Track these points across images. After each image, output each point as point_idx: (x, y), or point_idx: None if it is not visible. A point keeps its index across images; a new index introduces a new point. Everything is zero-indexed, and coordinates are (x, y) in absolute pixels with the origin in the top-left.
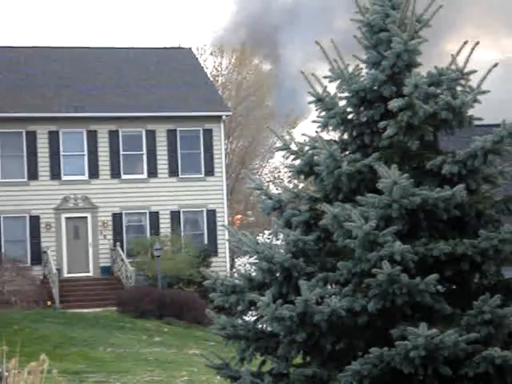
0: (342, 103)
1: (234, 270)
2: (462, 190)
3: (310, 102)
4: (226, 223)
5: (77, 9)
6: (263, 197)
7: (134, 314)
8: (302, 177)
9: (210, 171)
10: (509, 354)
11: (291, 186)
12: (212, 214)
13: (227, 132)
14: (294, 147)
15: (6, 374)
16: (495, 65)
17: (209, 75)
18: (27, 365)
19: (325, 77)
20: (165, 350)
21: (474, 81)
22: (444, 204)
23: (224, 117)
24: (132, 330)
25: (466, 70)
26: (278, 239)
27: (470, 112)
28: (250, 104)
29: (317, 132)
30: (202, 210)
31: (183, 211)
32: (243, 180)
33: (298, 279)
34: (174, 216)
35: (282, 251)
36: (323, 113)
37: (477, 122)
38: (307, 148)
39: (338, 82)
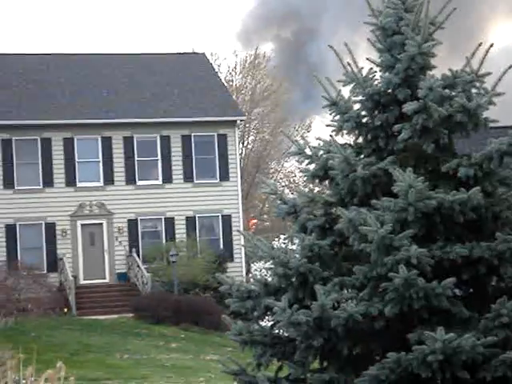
0: (357, 107)
1: (250, 275)
2: (477, 192)
3: (325, 106)
4: (242, 228)
5: (91, 15)
6: (278, 201)
7: (151, 321)
8: (317, 181)
9: (224, 176)
10: None
11: (306, 190)
12: (227, 219)
13: (242, 136)
14: (308, 151)
15: (24, 381)
16: (510, 66)
17: (223, 80)
18: (44, 372)
19: (339, 81)
20: (182, 355)
21: (489, 83)
22: (460, 207)
23: (238, 121)
24: (148, 336)
25: (480, 72)
26: (293, 244)
27: (485, 114)
28: (265, 108)
29: (331, 136)
30: (218, 216)
31: (198, 216)
32: (258, 185)
33: (314, 284)
34: (190, 221)
35: (297, 256)
36: (337, 116)
37: (492, 124)
38: (321, 152)
39: (352, 85)
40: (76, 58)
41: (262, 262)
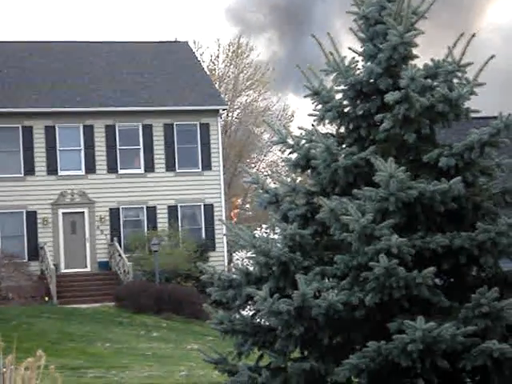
0: (339, 96)
1: (232, 264)
2: (458, 182)
3: (307, 96)
4: (224, 218)
5: (73, 2)
6: (260, 191)
7: (132, 310)
8: (299, 170)
9: (207, 165)
10: (506, 346)
11: (289, 180)
12: (209, 208)
13: (224, 126)
14: (290, 141)
15: (4, 369)
16: (492, 56)
17: (205, 68)
18: (24, 360)
19: (321, 70)
20: (163, 344)
21: (470, 73)
22: (441, 197)
23: (221, 111)
24: (130, 325)
25: (462, 62)
26: (275, 233)
27: (467, 104)
28: (247, 97)
29: (313, 125)
30: (200, 205)
31: (180, 206)
32: (241, 174)
33: (295, 273)
34: (172, 211)
35: (279, 245)
36: (319, 106)
37: (474, 115)
38: (304, 141)
39: (334, 75)
40: (58, 46)
41: (244, 251)
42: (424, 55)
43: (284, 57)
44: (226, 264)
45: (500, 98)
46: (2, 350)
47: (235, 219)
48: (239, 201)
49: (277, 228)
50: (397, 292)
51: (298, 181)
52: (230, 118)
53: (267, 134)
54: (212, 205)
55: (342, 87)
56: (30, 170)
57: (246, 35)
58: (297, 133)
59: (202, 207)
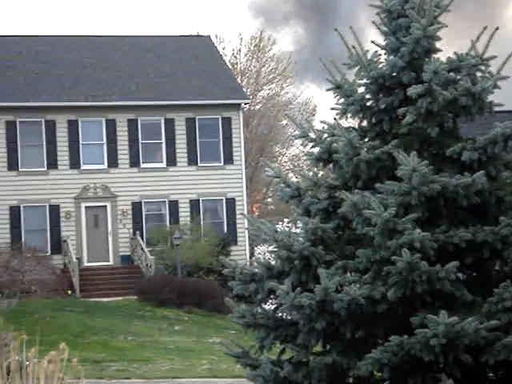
0: (361, 90)
1: (254, 258)
2: (481, 176)
3: (329, 89)
4: (246, 211)
5: None
6: (282, 185)
7: (154, 303)
8: (321, 164)
9: (229, 159)
10: None
11: (311, 174)
12: (231, 202)
13: (246, 120)
14: (312, 135)
15: (27, 363)
16: None
17: (227, 63)
18: (48, 354)
19: (343, 63)
20: (185, 338)
21: (494, 66)
22: (464, 191)
23: (243, 104)
24: (152, 318)
25: (485, 56)
26: (297, 227)
27: (490, 98)
28: (269, 92)
29: (335, 119)
30: (222, 199)
31: (202, 200)
32: (262, 168)
33: (317, 267)
34: (194, 205)
35: (300, 239)
36: (342, 100)
37: (497, 108)
38: (326, 135)
39: (357, 68)
40: (81, 40)
41: (266, 245)
42: (450, 47)
43: (309, 50)
44: (248, 258)
45: None
46: (26, 343)
47: (257, 213)
48: (261, 194)
49: (299, 222)
50: (419, 286)
51: (320, 175)
52: (251, 112)
53: (289, 127)
54: (234, 199)
55: (365, 81)
56: (52, 163)
57: (271, 27)
58: (319, 127)
59: (224, 201)
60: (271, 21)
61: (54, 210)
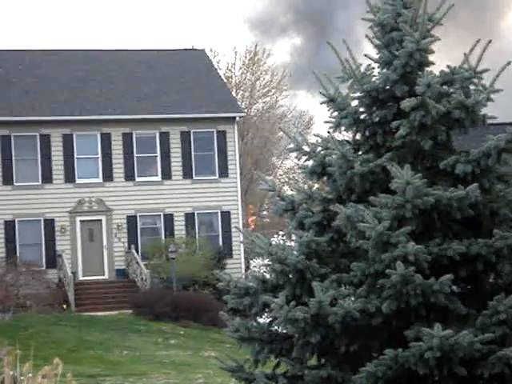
0: (355, 103)
1: (249, 271)
2: (475, 189)
3: (322, 103)
4: (241, 225)
5: (90, 11)
6: (276, 198)
7: (150, 317)
8: (315, 177)
9: (223, 173)
10: None
11: (306, 187)
12: (226, 215)
13: (241, 133)
14: (306, 148)
15: (22, 378)
16: (508, 63)
17: (222, 76)
18: (42, 368)
19: (337, 77)
20: (180, 352)
21: (487, 80)
22: (458, 204)
23: (237, 118)
24: (147, 332)
25: (478, 69)
26: (291, 240)
27: (484, 111)
28: (264, 105)
29: (329, 132)
30: (217, 212)
31: (197, 213)
32: (258, 181)
33: (312, 281)
34: (189, 218)
35: (295, 253)
36: (335, 113)
37: (490, 121)
38: (319, 149)
39: (350, 81)
40: (75, 54)
41: (261, 258)
42: (449, 55)
43: (306, 61)
44: (243, 271)
45: None
46: (20, 357)
47: (252, 226)
48: (257, 207)
49: (293, 235)
50: (414, 299)
51: (315, 188)
52: (246, 125)
53: (284, 140)
54: (229, 212)
55: (358, 94)
56: (47, 178)
57: (268, 39)
58: (314, 140)
59: (219, 214)
60: (267, 33)
61: (49, 224)
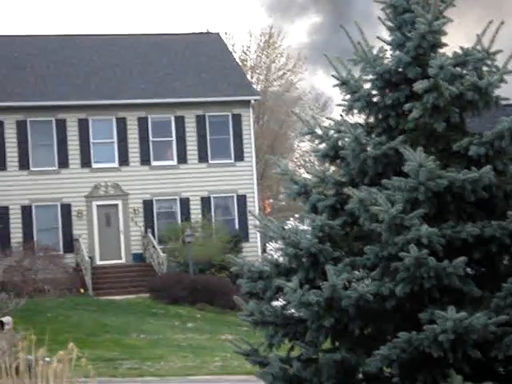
0: (367, 86)
1: (264, 255)
2: (489, 171)
3: (335, 86)
4: (257, 208)
5: None
6: (289, 181)
7: (167, 301)
8: (328, 161)
9: (239, 156)
10: None
11: (320, 169)
12: (242, 199)
13: (256, 116)
14: (319, 131)
15: (39, 362)
16: None
17: (237, 59)
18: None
19: (349, 59)
20: (197, 335)
21: (500, 61)
22: (471, 186)
23: (253, 101)
24: (164, 316)
25: (491, 50)
26: (304, 224)
27: (497, 92)
28: (280, 87)
29: (341, 115)
30: (233, 196)
31: (213, 197)
32: (274, 164)
33: (325, 264)
34: (205, 202)
35: (308, 236)
36: (348, 96)
37: (504, 102)
38: (332, 132)
39: (362, 64)
40: (90, 39)
41: (276, 242)
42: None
43: (324, 42)
44: (260, 254)
45: None
46: (37, 342)
47: (269, 209)
48: (273, 190)
49: (306, 219)
50: (427, 282)
51: (329, 171)
52: (262, 109)
53: (300, 123)
54: (245, 195)
55: (371, 77)
56: (63, 163)
57: (285, 20)
58: (327, 123)
59: (235, 198)
60: (286, 12)
61: (66, 208)
